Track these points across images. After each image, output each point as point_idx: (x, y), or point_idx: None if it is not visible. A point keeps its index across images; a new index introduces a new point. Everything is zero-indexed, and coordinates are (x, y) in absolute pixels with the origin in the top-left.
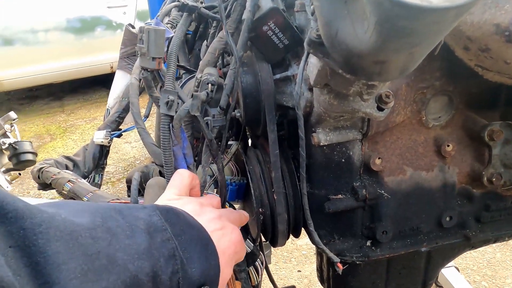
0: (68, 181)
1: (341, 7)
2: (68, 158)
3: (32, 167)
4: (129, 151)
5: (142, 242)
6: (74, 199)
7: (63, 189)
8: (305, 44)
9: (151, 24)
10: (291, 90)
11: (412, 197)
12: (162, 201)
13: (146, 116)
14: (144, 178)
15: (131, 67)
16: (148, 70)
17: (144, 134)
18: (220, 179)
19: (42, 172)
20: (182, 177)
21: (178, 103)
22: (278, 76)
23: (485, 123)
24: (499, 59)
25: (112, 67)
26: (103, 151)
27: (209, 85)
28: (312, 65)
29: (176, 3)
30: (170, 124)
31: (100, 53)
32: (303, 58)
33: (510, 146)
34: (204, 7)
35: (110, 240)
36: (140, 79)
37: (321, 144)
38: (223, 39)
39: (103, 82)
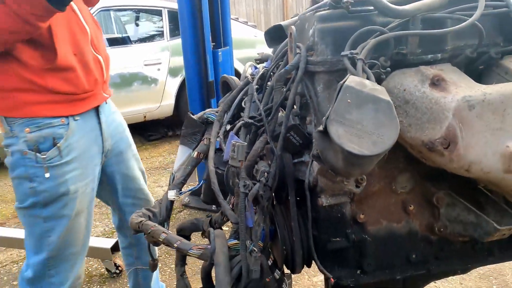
0: (163, 232)
1: (328, 145)
2: (148, 209)
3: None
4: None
5: None
6: (168, 245)
7: (159, 238)
8: (310, 155)
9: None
10: (305, 169)
11: (387, 241)
12: None
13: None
14: (195, 228)
15: (190, 143)
16: (235, 167)
17: (224, 204)
18: (267, 231)
19: (142, 224)
20: None
21: (248, 184)
22: (296, 160)
23: (435, 191)
24: (428, 159)
25: (145, 117)
26: (172, 205)
27: (265, 173)
28: (315, 164)
29: (242, 122)
30: (246, 198)
31: (136, 105)
32: (309, 163)
33: (451, 207)
34: (249, 117)
35: None
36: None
37: (324, 205)
38: (262, 141)
39: (136, 129)
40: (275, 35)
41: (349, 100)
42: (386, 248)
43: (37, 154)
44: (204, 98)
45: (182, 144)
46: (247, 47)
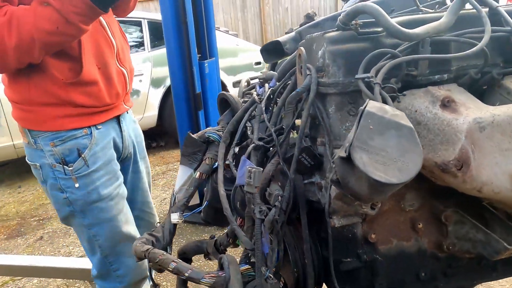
0: (172, 261)
1: (351, 172)
2: (151, 234)
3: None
4: None
5: None
6: (178, 274)
7: (168, 267)
8: (329, 180)
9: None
10: (314, 190)
11: (397, 259)
12: None
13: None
14: (199, 250)
15: (191, 163)
16: (251, 192)
17: (239, 231)
18: (281, 255)
19: (149, 253)
20: None
21: (264, 210)
22: (306, 181)
23: (443, 209)
24: (440, 179)
25: None
26: (175, 229)
27: (279, 197)
28: (333, 188)
29: (253, 145)
30: (262, 224)
31: None
32: (328, 188)
33: (459, 225)
34: (258, 139)
35: None
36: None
37: (336, 226)
38: (274, 164)
39: None
40: (272, 50)
41: (371, 127)
42: (396, 266)
43: (65, 166)
44: (192, 110)
45: (182, 164)
46: (229, 56)
